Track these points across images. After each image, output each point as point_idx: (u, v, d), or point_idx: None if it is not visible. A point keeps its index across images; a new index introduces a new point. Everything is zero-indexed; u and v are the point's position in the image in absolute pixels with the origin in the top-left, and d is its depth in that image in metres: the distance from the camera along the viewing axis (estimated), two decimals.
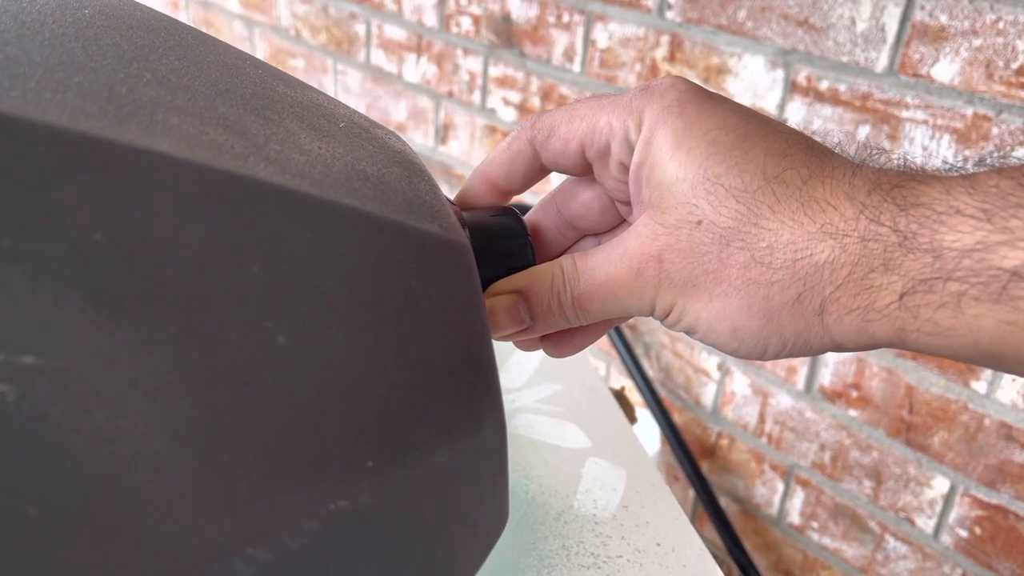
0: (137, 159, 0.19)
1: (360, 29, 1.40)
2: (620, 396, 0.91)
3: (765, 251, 0.27)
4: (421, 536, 0.22)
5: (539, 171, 0.34)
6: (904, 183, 0.26)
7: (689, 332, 0.30)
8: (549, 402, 0.59)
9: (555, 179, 1.17)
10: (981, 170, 0.25)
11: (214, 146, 0.22)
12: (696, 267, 0.28)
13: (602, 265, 0.30)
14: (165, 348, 0.17)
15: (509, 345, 0.63)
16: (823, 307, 0.27)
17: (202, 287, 0.19)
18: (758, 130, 0.29)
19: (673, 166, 0.29)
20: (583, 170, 0.33)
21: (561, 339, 0.35)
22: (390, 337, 0.22)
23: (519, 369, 0.62)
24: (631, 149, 0.30)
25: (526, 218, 0.36)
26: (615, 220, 0.35)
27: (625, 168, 0.31)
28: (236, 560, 0.17)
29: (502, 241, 0.33)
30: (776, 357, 0.29)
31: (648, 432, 1.10)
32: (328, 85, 1.51)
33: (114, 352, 0.17)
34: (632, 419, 0.95)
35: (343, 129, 0.29)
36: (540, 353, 0.65)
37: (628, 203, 0.33)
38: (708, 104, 0.29)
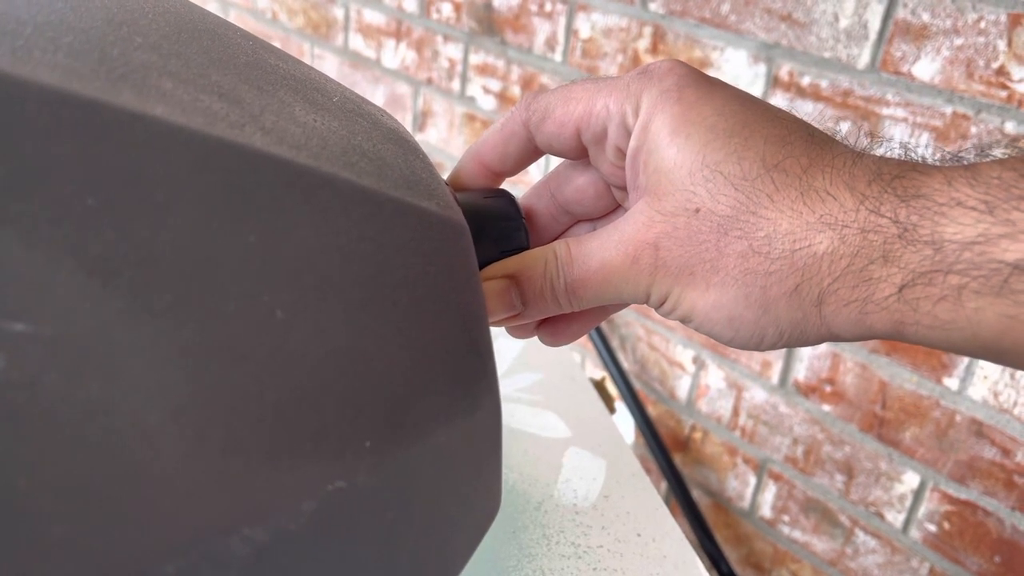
0: (131, 122, 0.18)
1: (338, 13, 1.38)
2: (600, 386, 0.91)
3: (763, 241, 0.27)
4: (417, 518, 0.21)
5: (533, 153, 0.34)
6: (905, 173, 0.26)
7: (684, 321, 0.30)
8: (529, 391, 0.59)
9: (532, 171, 1.16)
10: (983, 161, 0.25)
11: (209, 113, 0.21)
12: (693, 255, 0.28)
13: (597, 251, 0.30)
14: (161, 318, 0.17)
15: None
16: (821, 298, 0.27)
17: (198, 257, 0.18)
18: (758, 117, 0.28)
19: (671, 152, 0.28)
20: (578, 153, 0.33)
21: (556, 326, 0.35)
22: (389, 315, 0.22)
23: (498, 358, 0.62)
24: (628, 134, 0.30)
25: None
26: (610, 206, 0.35)
27: (622, 153, 0.31)
28: (232, 539, 0.16)
29: (496, 223, 0.32)
30: (773, 347, 0.29)
31: (622, 424, 1.11)
32: None
33: (109, 321, 0.16)
34: (611, 409, 0.95)
35: (337, 104, 0.28)
36: (520, 342, 0.65)
37: (624, 188, 0.32)
38: (707, 89, 0.29)
